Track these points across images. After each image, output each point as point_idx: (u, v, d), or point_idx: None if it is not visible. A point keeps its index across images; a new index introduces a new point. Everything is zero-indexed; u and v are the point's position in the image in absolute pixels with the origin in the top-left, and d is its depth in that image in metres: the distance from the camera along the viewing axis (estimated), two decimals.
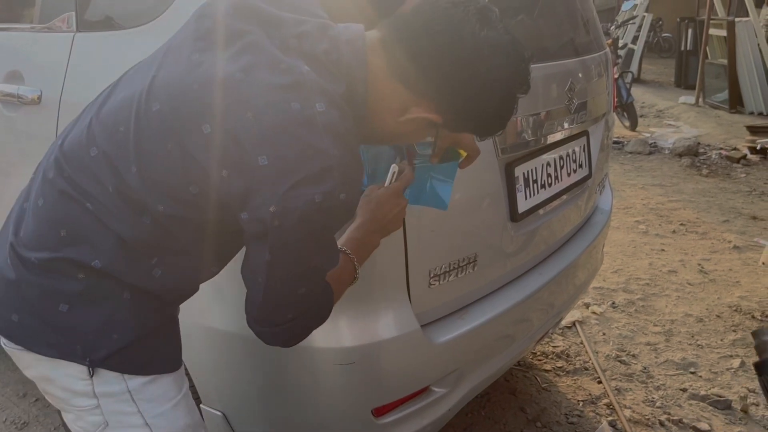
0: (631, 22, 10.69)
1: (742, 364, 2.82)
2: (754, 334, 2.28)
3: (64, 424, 1.20)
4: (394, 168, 1.23)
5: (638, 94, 9.58)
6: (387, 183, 1.23)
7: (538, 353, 2.88)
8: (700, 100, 9.14)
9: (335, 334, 1.40)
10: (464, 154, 1.20)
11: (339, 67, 1.00)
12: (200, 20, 1.03)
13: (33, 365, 1.11)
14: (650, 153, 6.78)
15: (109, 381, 1.09)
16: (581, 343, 2.97)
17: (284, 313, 1.04)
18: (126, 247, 1.03)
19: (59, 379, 1.09)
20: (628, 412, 2.49)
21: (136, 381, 1.10)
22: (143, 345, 1.09)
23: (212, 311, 1.47)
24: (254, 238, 0.96)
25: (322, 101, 0.94)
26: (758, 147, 6.21)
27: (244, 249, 1.05)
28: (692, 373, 2.77)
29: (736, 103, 8.65)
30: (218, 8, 1.02)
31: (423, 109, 1.03)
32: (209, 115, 0.94)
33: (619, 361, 2.83)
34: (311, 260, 0.99)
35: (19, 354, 1.10)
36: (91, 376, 1.07)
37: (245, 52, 0.96)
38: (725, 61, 8.70)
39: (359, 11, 1.24)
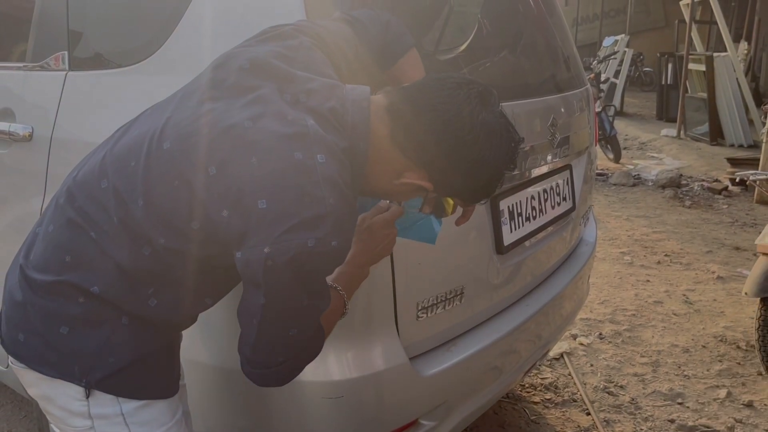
0: (612, 57, 10.91)
1: (729, 394, 2.84)
2: None
3: None
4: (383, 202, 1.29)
5: (621, 126, 9.75)
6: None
7: (527, 385, 2.88)
8: (682, 132, 9.30)
9: (323, 367, 1.41)
10: (451, 205, 1.26)
11: (344, 124, 1.06)
12: (217, 70, 1.10)
13: (35, 384, 1.15)
14: (634, 185, 6.88)
15: (104, 403, 1.13)
16: (569, 374, 2.98)
17: (276, 355, 1.07)
18: (124, 275, 1.08)
19: (58, 398, 1.14)
20: None
21: (129, 405, 1.14)
22: (138, 369, 1.13)
23: (199, 345, 1.47)
24: (250, 280, 1.00)
25: (323, 153, 0.99)
26: (737, 179, 6.32)
27: (239, 285, 1.09)
28: (680, 403, 2.78)
29: (716, 135, 8.82)
30: (235, 61, 1.09)
31: (417, 176, 1.10)
32: (216, 157, 0.99)
33: (607, 393, 2.84)
34: (301, 301, 1.02)
35: (24, 372, 1.15)
36: (87, 398, 1.12)
37: (255, 104, 1.03)
38: (705, 95, 8.89)
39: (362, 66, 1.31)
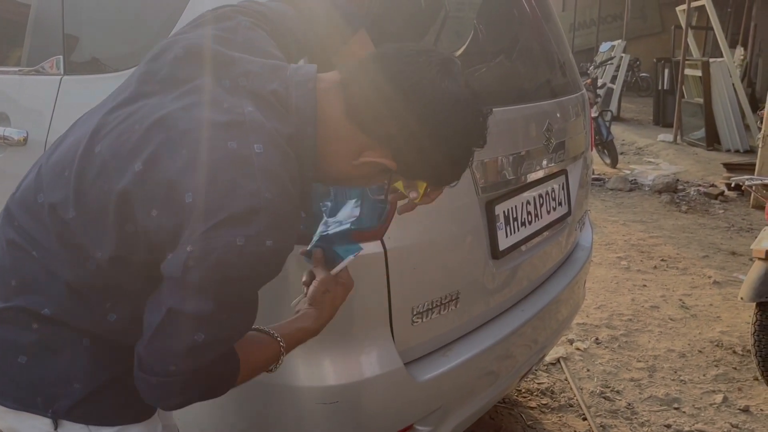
0: (609, 62, 10.96)
1: (725, 399, 2.84)
2: None
3: None
4: (352, 259, 1.18)
5: (618, 132, 9.77)
6: (338, 269, 1.17)
7: (523, 390, 2.88)
8: (678, 137, 9.34)
9: (318, 372, 1.40)
10: (422, 190, 1.12)
11: (288, 108, 0.98)
12: (150, 63, 1.03)
13: (1, 417, 1.06)
14: (631, 190, 6.89)
15: None
16: (566, 379, 2.97)
17: (169, 361, 0.93)
18: (74, 292, 1.00)
19: (26, 431, 1.05)
20: None
21: None
22: (108, 394, 1.05)
23: None
24: (170, 279, 0.91)
25: (261, 142, 0.91)
26: (732, 184, 6.34)
27: None
28: (676, 408, 2.78)
29: (713, 140, 8.85)
30: (170, 52, 1.02)
31: (378, 154, 1.00)
32: (144, 153, 0.91)
33: (604, 398, 2.84)
34: (220, 312, 0.91)
35: None
36: (56, 429, 1.03)
37: (189, 94, 0.95)
38: (701, 100, 8.92)
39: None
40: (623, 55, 11.71)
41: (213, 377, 0.98)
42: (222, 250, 0.86)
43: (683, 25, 9.57)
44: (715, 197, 6.48)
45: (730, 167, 7.28)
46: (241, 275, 0.89)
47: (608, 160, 7.79)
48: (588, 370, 3.06)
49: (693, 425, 2.65)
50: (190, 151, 0.89)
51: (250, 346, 1.04)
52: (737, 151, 8.64)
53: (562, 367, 3.07)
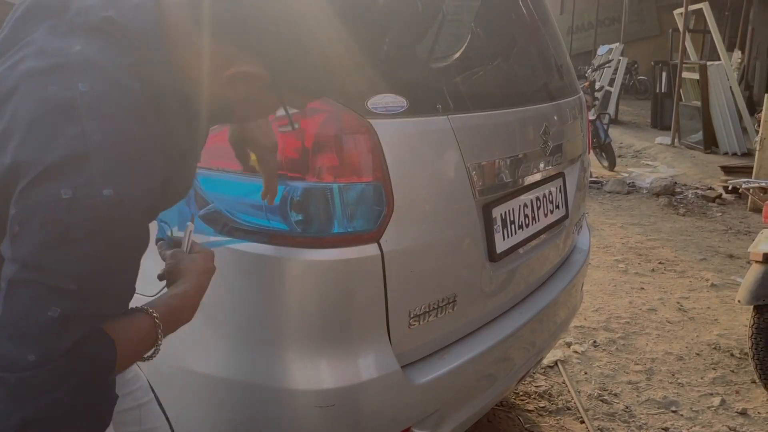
0: (607, 65, 10.97)
1: (723, 402, 2.84)
2: None
3: None
4: (191, 227, 1.10)
5: (616, 134, 9.78)
6: (185, 245, 1.08)
7: (521, 393, 2.87)
8: (676, 140, 9.35)
9: (315, 376, 1.40)
10: (254, 157, 0.98)
11: (126, 34, 0.85)
12: None
13: None
14: (628, 192, 6.89)
15: None
16: (563, 382, 2.97)
17: (25, 347, 0.76)
18: None
19: None
20: None
21: None
22: (55, 411, 0.89)
23: (191, 354, 1.46)
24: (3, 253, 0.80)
25: (87, 80, 0.79)
26: (730, 187, 6.36)
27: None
28: (674, 411, 2.78)
29: (710, 143, 8.87)
30: (11, 15, 0.92)
31: (242, 61, 0.86)
32: None
33: (602, 401, 2.83)
34: (67, 280, 0.76)
35: None
36: None
37: (18, 51, 0.85)
38: (699, 103, 8.94)
39: None
40: (621, 58, 11.72)
41: (85, 366, 0.81)
42: (46, 208, 0.74)
43: (681, 28, 9.59)
44: (713, 200, 6.49)
45: (728, 170, 7.30)
46: (79, 235, 0.75)
47: (606, 163, 7.80)
48: (586, 373, 3.06)
49: (691, 428, 2.65)
50: (14, 111, 0.79)
51: (116, 323, 0.87)
52: (735, 154, 8.66)
53: (559, 370, 3.07)
